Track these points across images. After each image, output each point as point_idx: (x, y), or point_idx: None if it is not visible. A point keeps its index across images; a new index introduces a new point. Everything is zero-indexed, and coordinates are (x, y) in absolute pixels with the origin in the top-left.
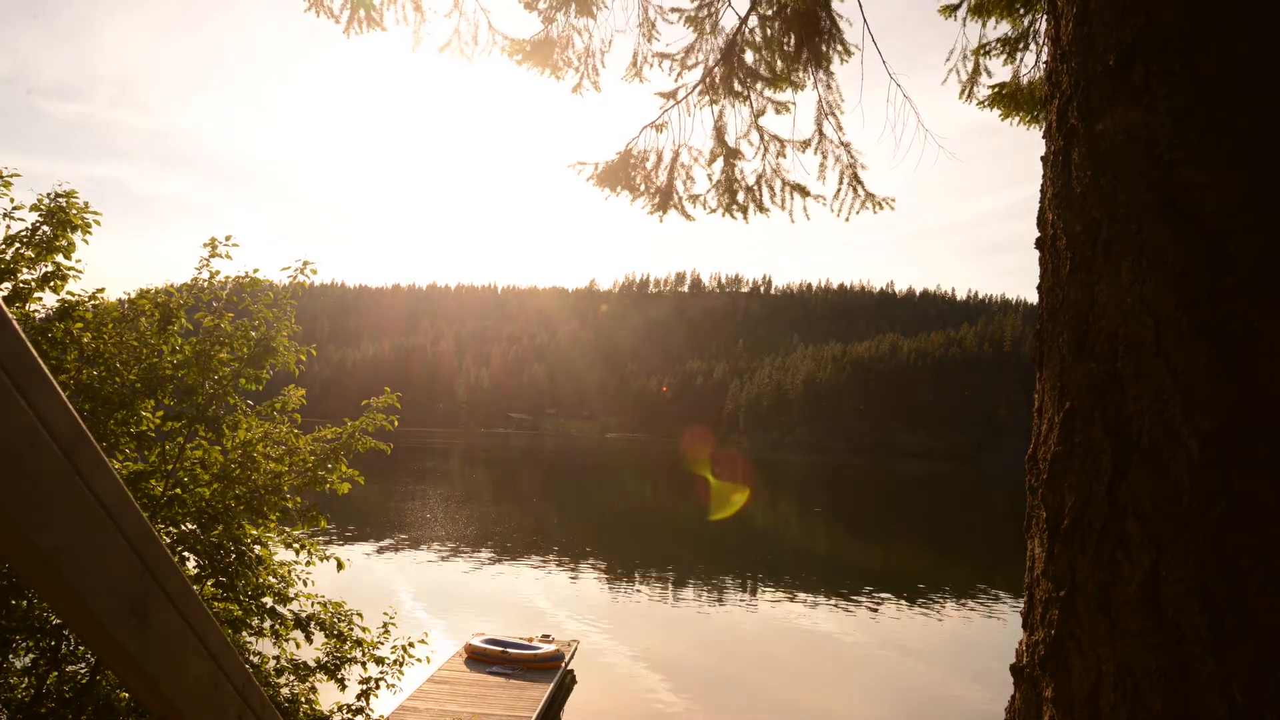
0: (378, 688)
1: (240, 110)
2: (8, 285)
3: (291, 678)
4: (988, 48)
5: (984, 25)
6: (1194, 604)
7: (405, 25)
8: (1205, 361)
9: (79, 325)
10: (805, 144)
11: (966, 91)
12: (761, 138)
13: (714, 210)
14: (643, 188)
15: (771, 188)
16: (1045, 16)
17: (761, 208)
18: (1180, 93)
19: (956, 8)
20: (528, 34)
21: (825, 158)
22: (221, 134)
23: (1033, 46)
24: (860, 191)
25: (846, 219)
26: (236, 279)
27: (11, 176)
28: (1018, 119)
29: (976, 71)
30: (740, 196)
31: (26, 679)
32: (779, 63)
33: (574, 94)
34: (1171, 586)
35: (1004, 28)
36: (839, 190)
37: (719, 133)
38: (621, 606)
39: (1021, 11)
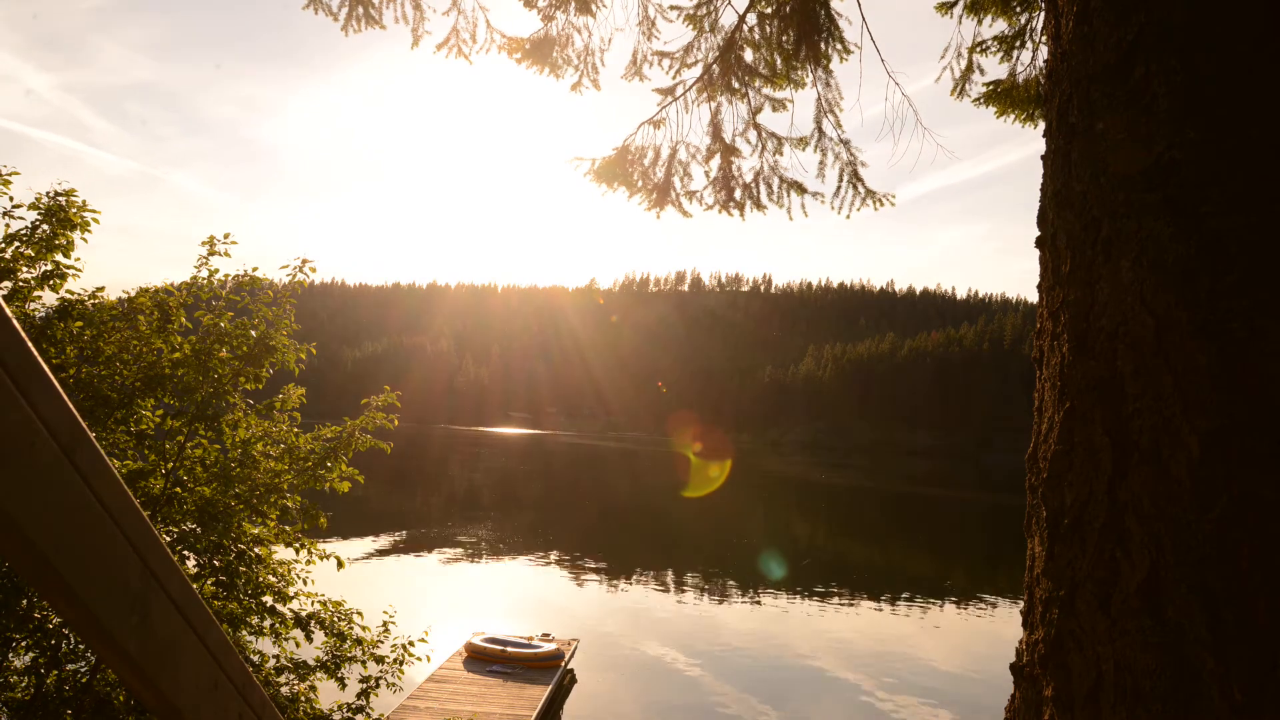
0: (378, 686)
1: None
2: (7, 284)
3: (291, 676)
4: (984, 45)
5: (980, 23)
6: (1194, 604)
7: (404, 23)
8: (1205, 361)
9: (79, 324)
10: (803, 141)
11: (959, 89)
12: (759, 135)
13: (711, 207)
14: (640, 184)
15: (769, 185)
16: (1045, 15)
17: (759, 205)
18: (1180, 92)
19: (953, 5)
20: (526, 32)
21: (825, 155)
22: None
23: (1029, 45)
24: (860, 189)
25: (848, 216)
26: (236, 278)
27: (10, 175)
28: (1013, 116)
29: (969, 69)
30: (737, 193)
31: (26, 679)
32: (778, 60)
33: (573, 92)
34: (1171, 586)
35: (1000, 25)
36: (839, 188)
37: (716, 130)
38: (621, 605)
39: (1018, 9)
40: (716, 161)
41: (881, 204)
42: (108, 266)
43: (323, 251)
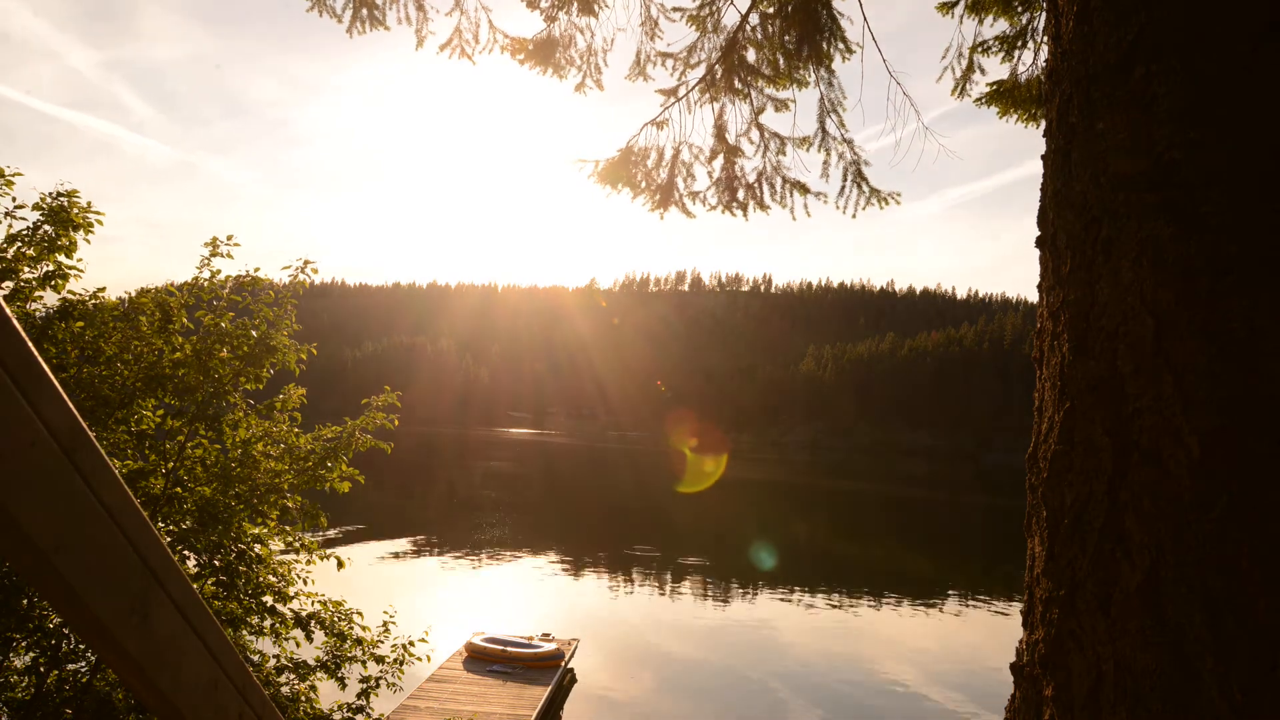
0: (378, 686)
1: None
2: (9, 284)
3: (291, 676)
4: (985, 45)
5: (981, 23)
6: (1194, 604)
7: (407, 24)
8: (1205, 361)
9: (79, 324)
10: (805, 141)
11: (960, 89)
12: (762, 135)
13: (714, 207)
14: (643, 185)
15: (772, 185)
16: (1046, 14)
17: (762, 205)
18: (1180, 92)
19: (954, 5)
20: (529, 32)
21: (829, 155)
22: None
23: (1030, 45)
24: (864, 188)
25: (853, 215)
26: (237, 278)
27: (13, 175)
28: (1015, 116)
29: (970, 69)
30: (740, 194)
31: (26, 679)
32: (780, 60)
33: (576, 92)
34: (1171, 586)
35: (1001, 25)
36: (843, 187)
37: (719, 130)
38: (622, 605)
39: (1019, 9)
40: (719, 162)
41: (886, 203)
42: (138, 260)
43: (323, 251)
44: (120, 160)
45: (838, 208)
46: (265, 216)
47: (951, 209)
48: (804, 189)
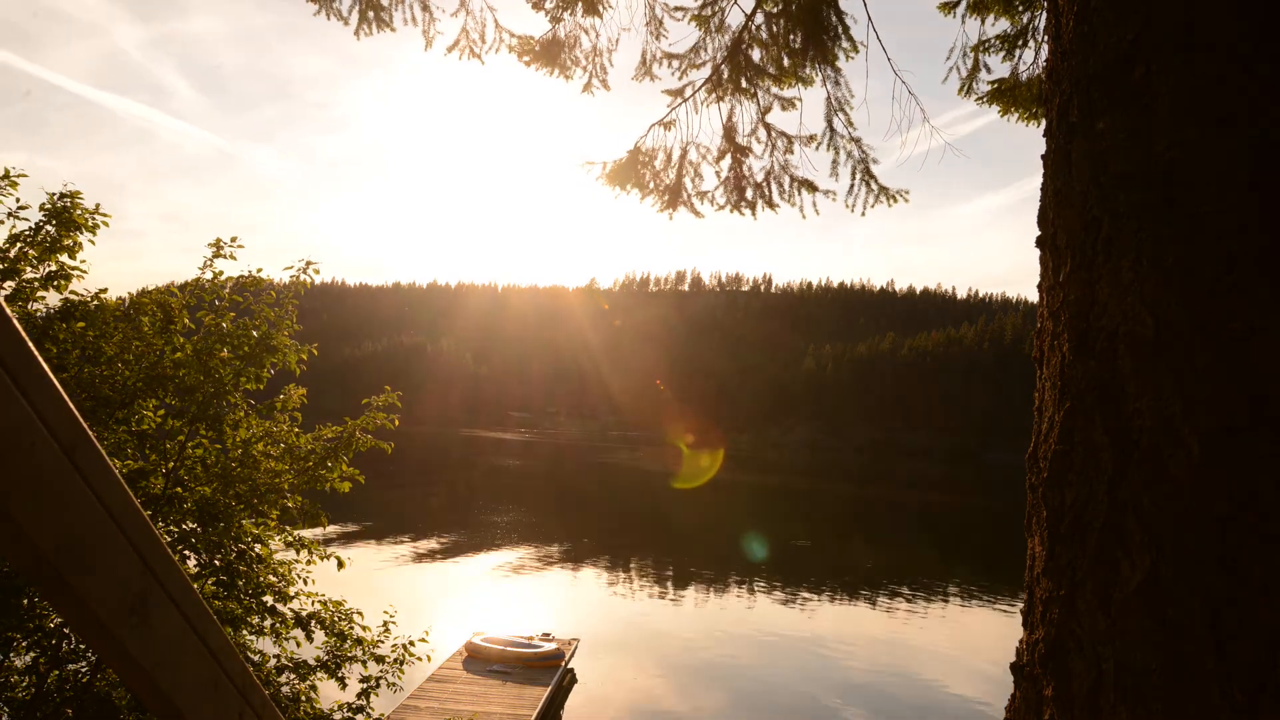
0: (378, 686)
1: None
2: (11, 284)
3: (292, 676)
4: (987, 44)
5: (983, 22)
6: (1194, 603)
7: (413, 25)
8: (1205, 361)
9: (81, 324)
10: (812, 139)
11: (966, 88)
12: (769, 134)
13: (723, 207)
14: (652, 185)
15: (780, 184)
16: (1046, 14)
17: (770, 204)
18: (1180, 91)
19: (955, 5)
20: (535, 33)
21: (837, 153)
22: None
23: (1031, 44)
24: (873, 186)
25: (862, 214)
26: (238, 278)
27: (18, 176)
28: (1016, 115)
29: (976, 68)
30: (749, 193)
31: (26, 679)
32: (785, 59)
33: (583, 93)
34: (1171, 586)
35: (1003, 25)
36: (852, 185)
37: (727, 130)
38: (622, 605)
39: (1020, 8)
40: (727, 162)
41: (895, 200)
42: (165, 254)
43: (324, 250)
44: (162, 151)
45: (846, 205)
46: (281, 212)
47: (1001, 210)
48: (812, 187)
